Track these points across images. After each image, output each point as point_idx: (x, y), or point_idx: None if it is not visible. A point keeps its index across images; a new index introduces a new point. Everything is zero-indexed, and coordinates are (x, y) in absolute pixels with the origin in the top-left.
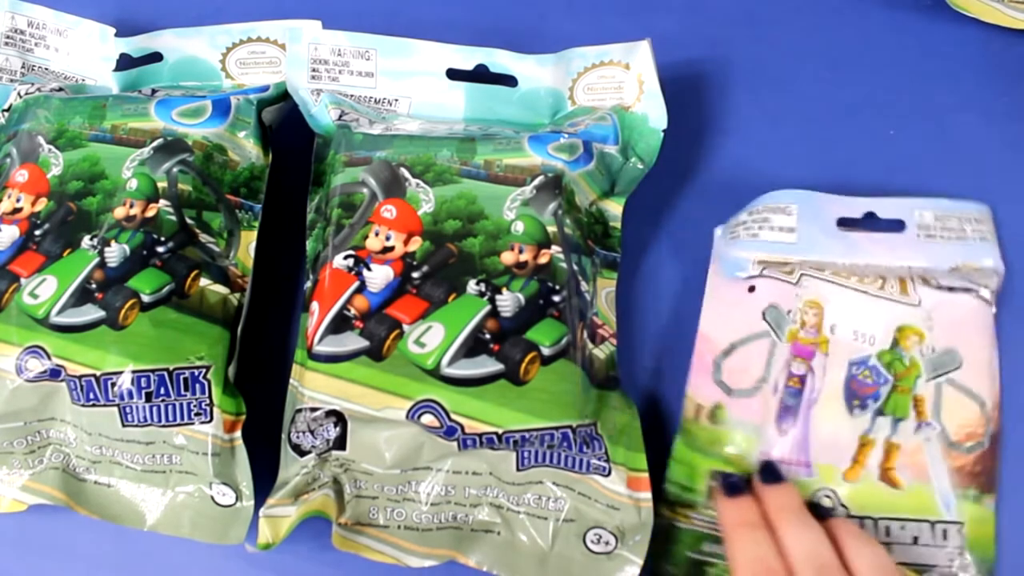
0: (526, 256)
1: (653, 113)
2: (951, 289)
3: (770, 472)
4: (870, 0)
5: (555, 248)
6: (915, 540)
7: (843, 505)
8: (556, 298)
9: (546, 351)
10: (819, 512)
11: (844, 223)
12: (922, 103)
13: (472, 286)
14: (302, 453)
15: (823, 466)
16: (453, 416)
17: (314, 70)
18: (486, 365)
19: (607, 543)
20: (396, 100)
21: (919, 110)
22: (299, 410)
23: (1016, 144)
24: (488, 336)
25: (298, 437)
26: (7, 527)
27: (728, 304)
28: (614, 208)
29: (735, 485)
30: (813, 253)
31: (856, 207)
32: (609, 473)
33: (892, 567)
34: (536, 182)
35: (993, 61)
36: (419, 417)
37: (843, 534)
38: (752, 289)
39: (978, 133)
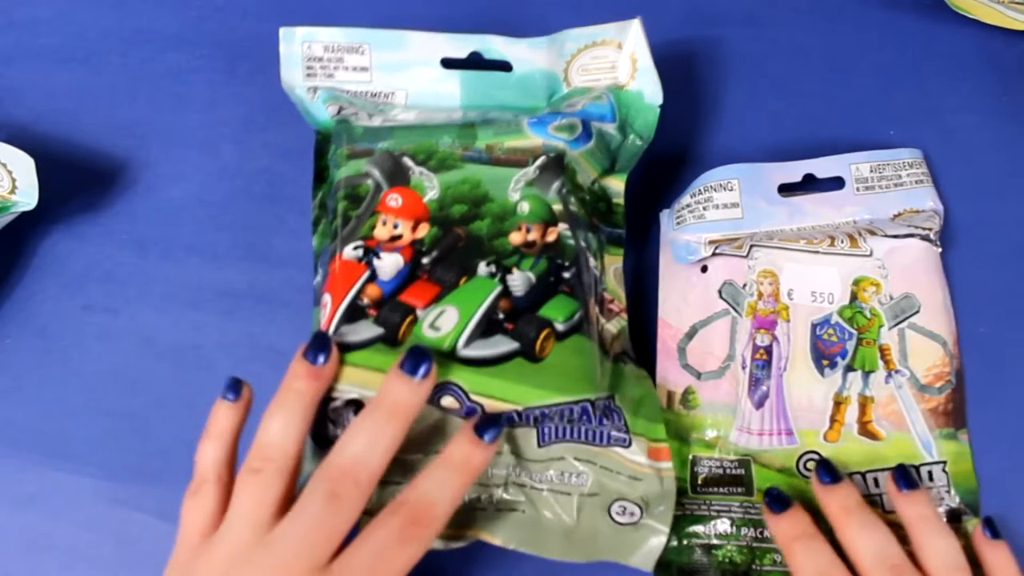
0: (534, 235)
1: (648, 89)
2: (897, 236)
3: (827, 471)
4: (870, 0)
5: (562, 225)
6: None
7: None
8: (566, 274)
9: (560, 327)
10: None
11: (785, 189)
12: (922, 103)
13: (483, 268)
14: (325, 444)
15: (804, 431)
16: (472, 397)
17: (309, 68)
18: (502, 344)
19: (632, 514)
20: (392, 93)
21: (919, 110)
22: None
23: (1016, 144)
24: (502, 315)
25: (320, 428)
26: (8, 527)
27: (683, 287)
28: (616, 185)
29: (779, 499)
30: (760, 224)
31: (795, 171)
32: (630, 444)
33: (963, 560)
34: (539, 162)
35: (993, 61)
36: (439, 400)
37: (912, 524)
38: (705, 269)
39: (978, 133)
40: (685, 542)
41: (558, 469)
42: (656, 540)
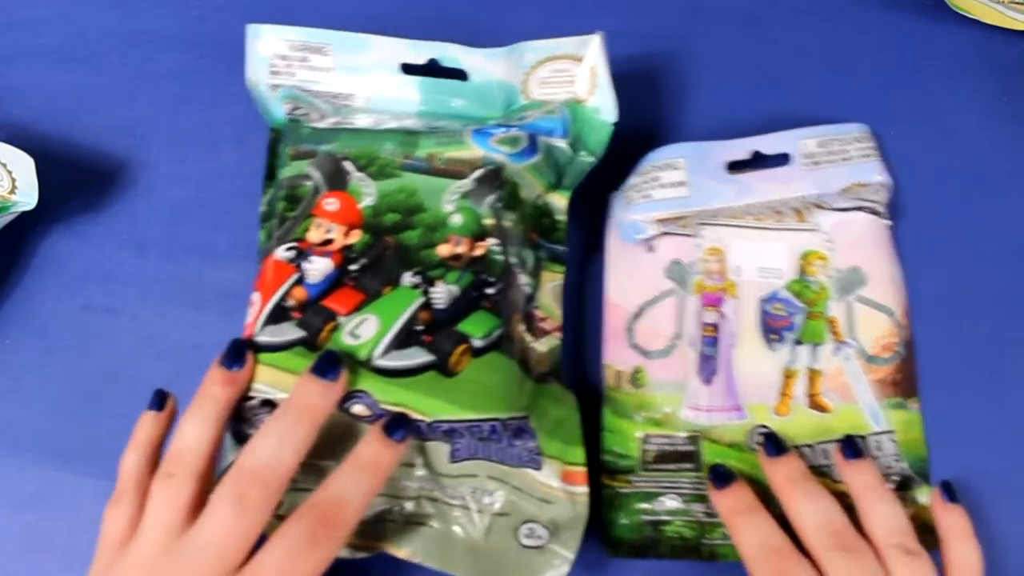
0: (462, 248)
1: (605, 106)
2: (845, 209)
3: (773, 444)
4: (870, 0)
5: (491, 240)
6: None
7: None
8: (490, 290)
9: (477, 343)
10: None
11: (732, 166)
12: (922, 103)
13: (408, 278)
14: (241, 441)
15: (753, 406)
16: (381, 405)
17: (273, 66)
18: (417, 356)
19: (539, 537)
20: (352, 95)
21: (919, 110)
22: None
23: (1016, 144)
24: (421, 327)
25: (237, 426)
26: (8, 527)
27: (630, 267)
28: (559, 202)
29: (722, 475)
30: (707, 202)
31: (742, 148)
32: (540, 467)
33: (908, 525)
34: (476, 174)
35: (993, 61)
36: (349, 407)
37: (858, 493)
38: (651, 249)
39: (978, 133)
40: (635, 519)
41: (471, 486)
42: (561, 567)
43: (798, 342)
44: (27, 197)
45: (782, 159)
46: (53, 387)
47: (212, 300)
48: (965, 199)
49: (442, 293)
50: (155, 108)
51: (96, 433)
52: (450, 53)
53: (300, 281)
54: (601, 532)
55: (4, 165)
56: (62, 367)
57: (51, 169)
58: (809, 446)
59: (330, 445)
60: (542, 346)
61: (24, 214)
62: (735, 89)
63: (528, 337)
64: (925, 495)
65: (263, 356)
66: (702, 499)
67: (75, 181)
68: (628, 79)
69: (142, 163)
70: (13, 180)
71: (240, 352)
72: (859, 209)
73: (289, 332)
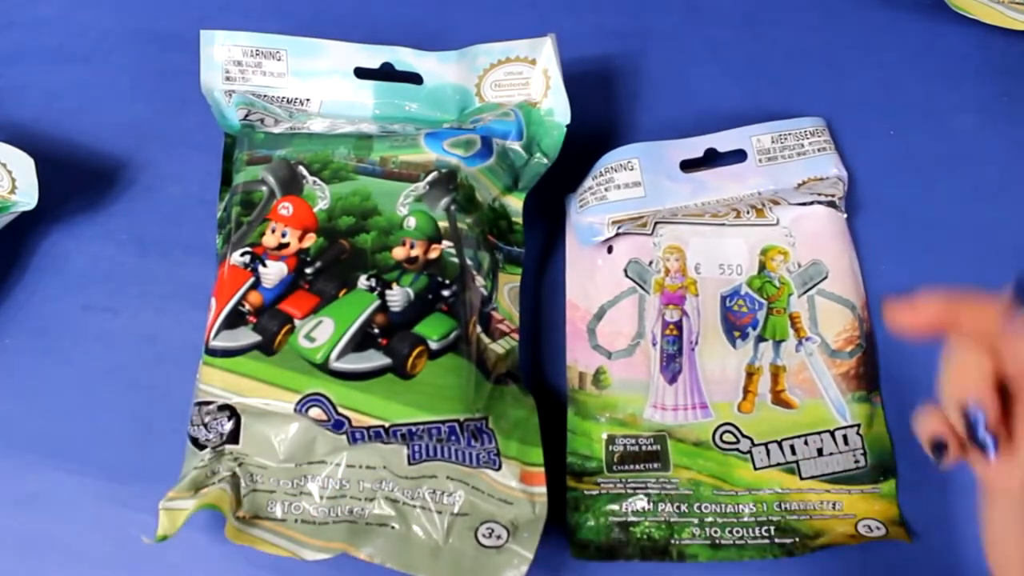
0: (417, 251)
1: (558, 108)
2: (803, 204)
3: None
4: (870, 0)
5: (446, 243)
6: (819, 452)
7: (746, 436)
8: (446, 292)
9: (434, 345)
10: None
11: (687, 165)
12: (922, 103)
13: (363, 281)
14: (200, 447)
15: (718, 404)
16: (340, 409)
17: (227, 72)
18: (374, 359)
19: (499, 537)
20: (308, 100)
21: (919, 110)
22: (195, 404)
23: (1016, 144)
24: (377, 330)
25: (195, 431)
26: (8, 527)
27: (590, 268)
28: (515, 204)
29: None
30: (663, 201)
31: (696, 147)
32: (499, 467)
33: None
34: (430, 178)
35: (993, 61)
36: (307, 410)
37: None
38: (611, 250)
39: (978, 133)
40: (602, 520)
41: (430, 487)
42: (519, 564)
43: (760, 339)
44: (27, 197)
45: (740, 156)
46: (53, 387)
47: None
48: (964, 199)
49: (398, 296)
50: (155, 108)
51: (96, 433)
52: (402, 57)
53: (255, 286)
54: (567, 535)
55: (4, 165)
56: (62, 367)
57: (51, 169)
58: (776, 442)
59: (291, 450)
60: (500, 348)
61: (24, 214)
62: (734, 89)
63: (485, 339)
64: (892, 488)
65: (221, 361)
66: (670, 499)
67: (75, 181)
68: (624, 79)
69: (142, 163)
70: (13, 180)
71: None
72: (816, 203)
73: (245, 337)
